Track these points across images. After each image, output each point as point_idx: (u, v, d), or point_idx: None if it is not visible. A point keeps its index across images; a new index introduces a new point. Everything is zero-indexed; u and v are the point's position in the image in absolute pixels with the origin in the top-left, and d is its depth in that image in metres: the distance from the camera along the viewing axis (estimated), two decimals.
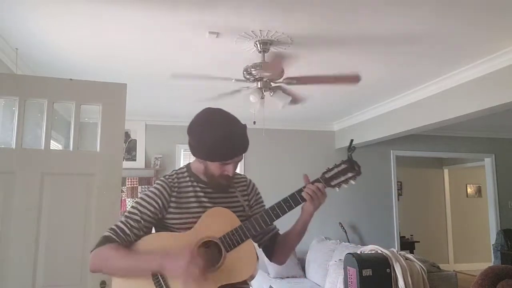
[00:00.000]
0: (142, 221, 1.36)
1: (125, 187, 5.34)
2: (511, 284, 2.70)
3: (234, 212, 1.42)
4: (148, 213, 1.37)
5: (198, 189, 1.45)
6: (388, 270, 3.59)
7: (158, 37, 2.90)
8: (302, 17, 2.57)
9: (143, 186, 5.43)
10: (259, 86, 3.02)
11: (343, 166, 1.44)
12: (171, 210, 1.41)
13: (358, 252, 3.88)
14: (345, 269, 3.76)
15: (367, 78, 3.86)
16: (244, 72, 2.98)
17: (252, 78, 3.01)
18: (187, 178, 1.47)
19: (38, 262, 2.25)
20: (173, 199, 1.41)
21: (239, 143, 1.37)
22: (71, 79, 2.45)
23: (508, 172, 6.65)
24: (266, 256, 1.60)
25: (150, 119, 5.62)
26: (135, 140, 5.59)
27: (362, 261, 3.60)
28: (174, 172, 1.50)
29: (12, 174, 2.27)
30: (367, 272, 3.57)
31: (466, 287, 3.98)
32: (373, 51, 3.17)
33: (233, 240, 1.36)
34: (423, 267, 3.66)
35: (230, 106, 4.74)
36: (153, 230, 1.44)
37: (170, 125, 5.69)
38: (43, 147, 2.36)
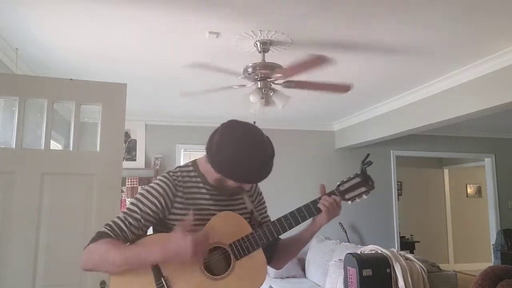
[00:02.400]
0: (142, 220, 1.26)
1: (125, 187, 5.34)
2: (511, 284, 2.70)
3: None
4: (149, 212, 1.27)
5: (204, 190, 1.36)
6: (388, 270, 3.59)
7: (158, 37, 2.90)
8: (302, 18, 2.57)
9: (143, 186, 5.40)
10: (259, 86, 3.02)
11: (356, 179, 1.42)
12: (174, 210, 1.31)
13: (358, 252, 3.88)
14: (345, 269, 3.76)
15: (367, 78, 3.86)
16: (245, 73, 2.99)
17: (253, 78, 3.01)
18: (194, 179, 1.36)
19: (38, 262, 2.25)
20: (178, 199, 1.31)
21: (265, 169, 1.28)
22: (71, 79, 2.45)
23: (508, 172, 6.65)
24: None
25: (150, 119, 5.62)
26: (135, 140, 5.58)
27: (362, 261, 3.60)
28: (178, 169, 1.38)
29: (12, 174, 2.26)
30: (367, 272, 3.57)
31: (466, 287, 3.98)
32: (373, 52, 3.16)
33: (243, 248, 1.31)
34: (423, 267, 3.66)
35: (230, 105, 4.73)
36: (150, 230, 1.35)
37: (170, 125, 5.70)
38: (43, 147, 2.36)
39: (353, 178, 1.43)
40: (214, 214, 1.33)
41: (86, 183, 2.37)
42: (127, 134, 5.51)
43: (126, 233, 1.24)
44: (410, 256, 3.82)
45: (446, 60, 3.37)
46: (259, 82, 3.01)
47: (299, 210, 1.37)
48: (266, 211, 1.57)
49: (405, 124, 4.57)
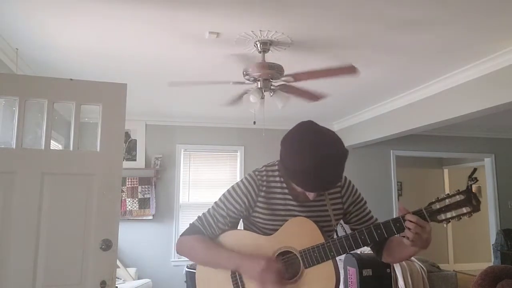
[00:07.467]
0: (228, 217, 1.39)
1: (125, 187, 5.34)
2: (511, 284, 2.70)
3: (319, 222, 1.34)
4: (234, 209, 1.39)
5: (286, 191, 1.38)
6: (388, 270, 3.59)
7: (158, 37, 2.90)
8: (302, 18, 2.57)
9: (143, 186, 5.43)
10: (259, 86, 3.03)
11: (458, 197, 1.22)
12: (257, 209, 1.38)
13: (358, 252, 3.88)
14: (345, 269, 3.76)
15: (367, 78, 3.86)
16: (244, 72, 2.99)
17: (252, 78, 3.01)
18: (277, 178, 1.40)
19: (38, 262, 2.25)
20: (260, 198, 1.38)
21: (326, 177, 1.22)
22: (71, 79, 2.45)
23: (508, 172, 6.65)
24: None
25: (150, 119, 5.62)
26: (135, 140, 5.59)
27: (362, 261, 3.60)
28: (264, 168, 1.42)
29: (12, 174, 2.26)
30: (367, 272, 3.57)
31: (466, 287, 3.98)
32: (373, 52, 3.17)
33: (312, 257, 1.29)
34: (423, 267, 3.66)
35: (230, 106, 4.71)
36: (241, 223, 1.48)
37: (170, 125, 5.70)
38: (43, 147, 2.36)
39: (453, 195, 1.23)
40: (295, 215, 1.36)
41: (86, 183, 2.37)
42: (127, 134, 5.51)
43: (214, 228, 1.39)
44: None
45: (446, 60, 3.37)
46: (259, 82, 3.02)
47: (376, 226, 1.28)
48: (364, 212, 1.48)
49: (405, 124, 4.57)
